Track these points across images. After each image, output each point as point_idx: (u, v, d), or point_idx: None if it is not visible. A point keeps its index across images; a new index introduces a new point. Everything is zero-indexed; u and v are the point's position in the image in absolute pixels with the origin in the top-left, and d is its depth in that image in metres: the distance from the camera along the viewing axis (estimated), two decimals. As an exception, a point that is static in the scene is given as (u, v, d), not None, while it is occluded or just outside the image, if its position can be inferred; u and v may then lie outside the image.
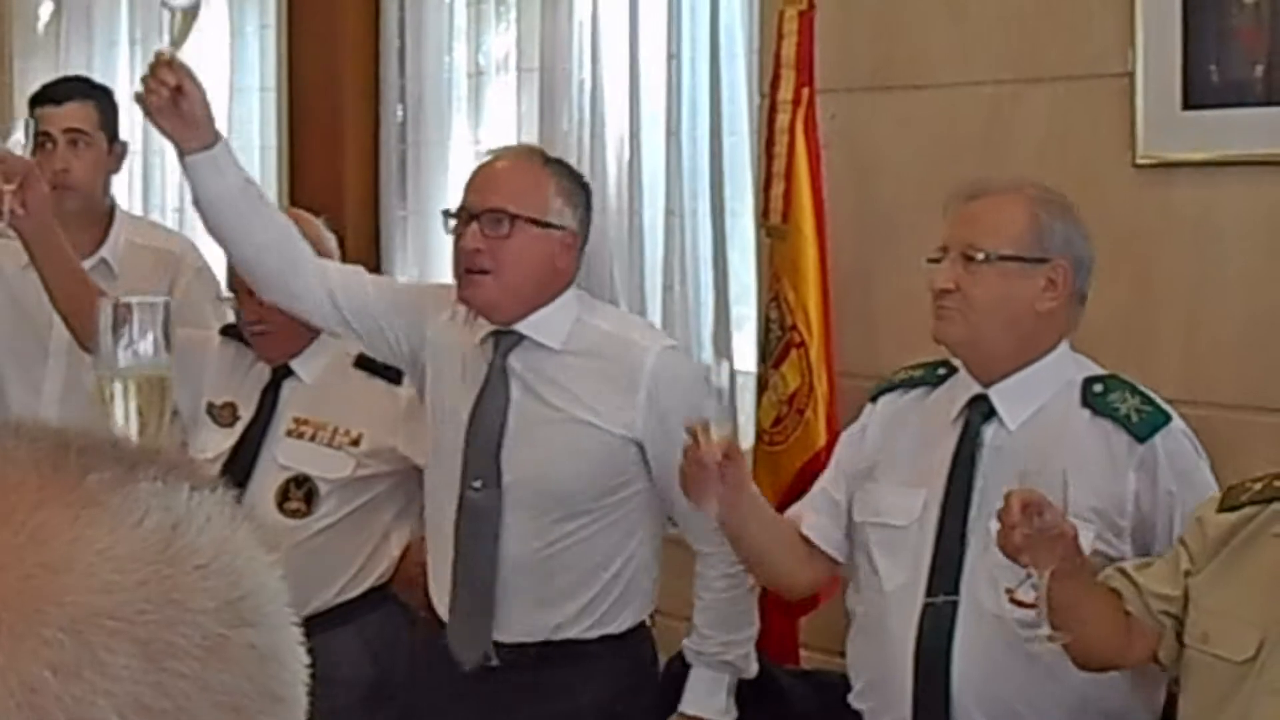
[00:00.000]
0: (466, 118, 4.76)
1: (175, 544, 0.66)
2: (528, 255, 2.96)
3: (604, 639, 3.02)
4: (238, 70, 5.37)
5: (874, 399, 2.95)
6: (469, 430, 3.01)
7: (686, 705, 3.01)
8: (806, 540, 2.88)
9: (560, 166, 3.16)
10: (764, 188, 3.62)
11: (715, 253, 4.12)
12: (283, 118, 5.13)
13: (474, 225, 2.96)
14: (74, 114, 3.82)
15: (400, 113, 4.88)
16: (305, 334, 3.34)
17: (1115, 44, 3.34)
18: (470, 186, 3.08)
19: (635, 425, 2.97)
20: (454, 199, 4.67)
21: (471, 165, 4.66)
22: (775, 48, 3.60)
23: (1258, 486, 2.52)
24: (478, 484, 3.00)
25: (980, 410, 2.74)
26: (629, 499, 3.01)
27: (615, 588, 3.03)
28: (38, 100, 3.90)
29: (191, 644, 0.64)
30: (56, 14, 5.98)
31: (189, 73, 2.99)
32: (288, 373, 3.39)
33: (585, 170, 4.26)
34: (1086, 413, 2.73)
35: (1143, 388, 2.78)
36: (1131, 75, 3.32)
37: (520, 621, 3.01)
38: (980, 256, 2.69)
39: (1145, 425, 2.70)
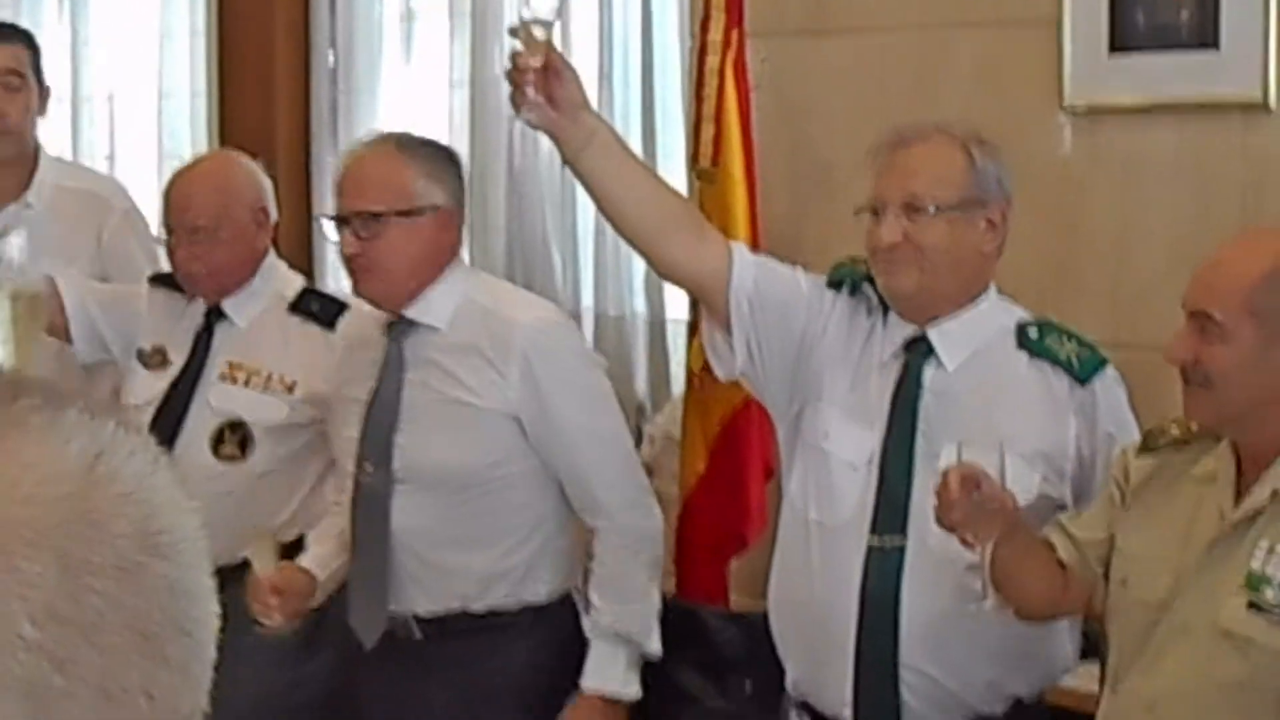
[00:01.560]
0: (398, 61, 4.75)
1: (98, 469, 0.68)
2: (402, 246, 2.95)
3: (524, 609, 3.01)
4: (167, 14, 5.32)
5: (833, 286, 2.85)
6: (366, 418, 3.01)
7: (586, 679, 2.97)
8: (722, 252, 2.81)
9: (419, 147, 3.11)
10: (694, 130, 3.62)
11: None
12: (213, 62, 5.10)
13: (347, 230, 2.95)
14: (10, 56, 3.77)
15: (331, 56, 4.85)
16: (238, 276, 3.32)
17: (1042, -16, 3.37)
18: (338, 190, 3.05)
19: (511, 401, 2.95)
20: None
21: (402, 109, 4.71)
22: (702, -9, 3.59)
23: (1175, 431, 2.54)
24: (369, 468, 3.00)
25: (919, 351, 2.72)
26: (518, 473, 2.99)
27: (520, 557, 3.02)
28: None
29: (107, 563, 0.66)
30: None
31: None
32: (220, 316, 3.36)
33: (511, 122, 4.28)
34: (1024, 355, 2.74)
35: (1076, 331, 2.80)
36: (1059, 20, 3.34)
37: (428, 594, 3.01)
38: (931, 209, 2.67)
39: (1085, 368, 2.71)
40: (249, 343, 3.35)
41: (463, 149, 4.43)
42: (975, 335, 2.75)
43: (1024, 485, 2.62)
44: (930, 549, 2.65)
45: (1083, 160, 3.38)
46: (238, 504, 3.17)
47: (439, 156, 3.10)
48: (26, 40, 3.89)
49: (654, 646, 3.00)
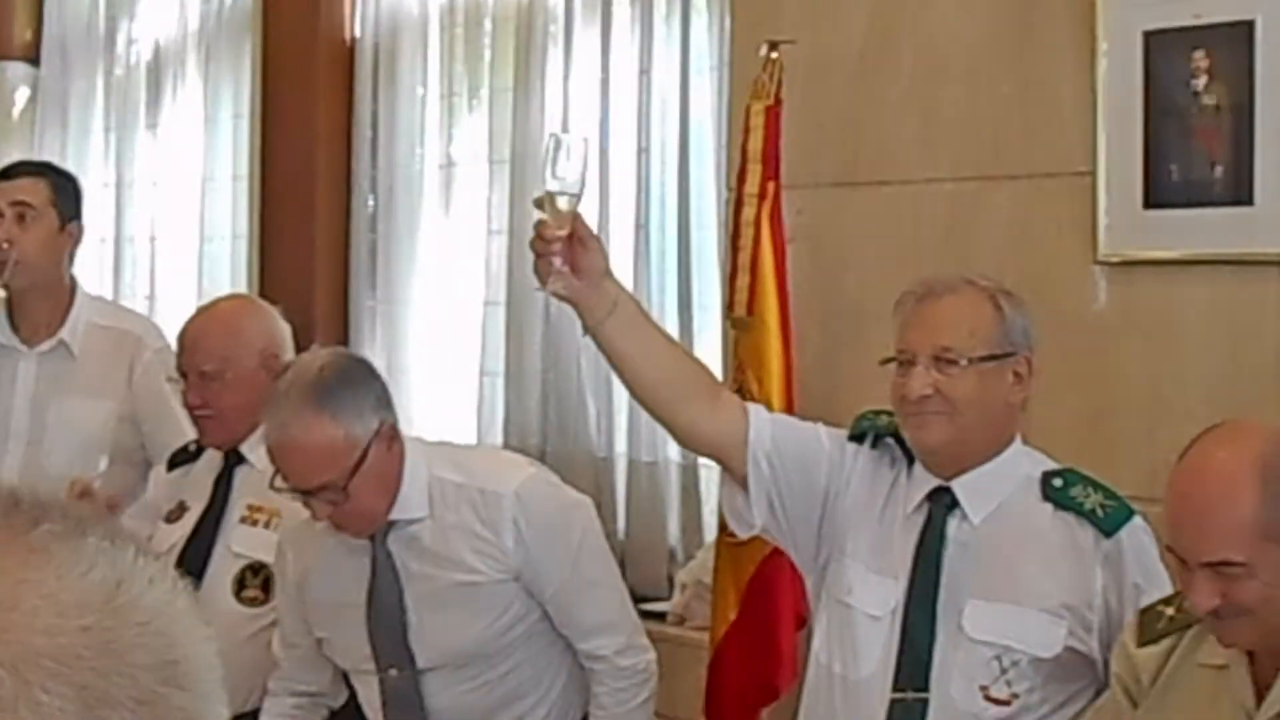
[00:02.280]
0: (437, 208, 4.78)
1: (118, 599, 0.68)
2: (370, 490, 2.88)
3: None
4: (210, 158, 5.41)
5: (855, 438, 2.85)
6: (370, 623, 2.99)
7: None
8: (738, 415, 2.80)
9: (324, 391, 2.89)
10: (729, 280, 3.63)
11: (683, 340, 4.11)
12: (254, 207, 5.15)
13: (316, 500, 2.89)
14: (23, 188, 3.77)
15: (371, 203, 4.91)
16: (250, 419, 3.26)
17: (1078, 143, 3.37)
18: (283, 475, 2.94)
19: (510, 566, 2.94)
20: (423, 290, 4.74)
21: (440, 255, 4.73)
22: (742, 142, 3.62)
23: (1170, 612, 2.48)
24: (393, 672, 2.99)
25: (943, 503, 2.71)
26: (533, 625, 3.00)
27: (544, 706, 3.05)
28: None
29: (125, 695, 0.66)
30: (32, 101, 6.01)
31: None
32: (239, 460, 3.35)
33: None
34: (1049, 507, 2.71)
35: (1102, 481, 2.76)
36: (1094, 174, 3.35)
37: None
38: (963, 361, 2.66)
39: (1111, 520, 2.68)
40: (267, 484, 3.34)
41: (500, 296, 4.52)
42: (1000, 487, 2.73)
43: (1050, 639, 2.61)
44: (954, 703, 2.64)
45: (1117, 314, 3.36)
46: (261, 648, 3.15)
47: (351, 384, 2.95)
48: (53, 176, 3.91)
49: None
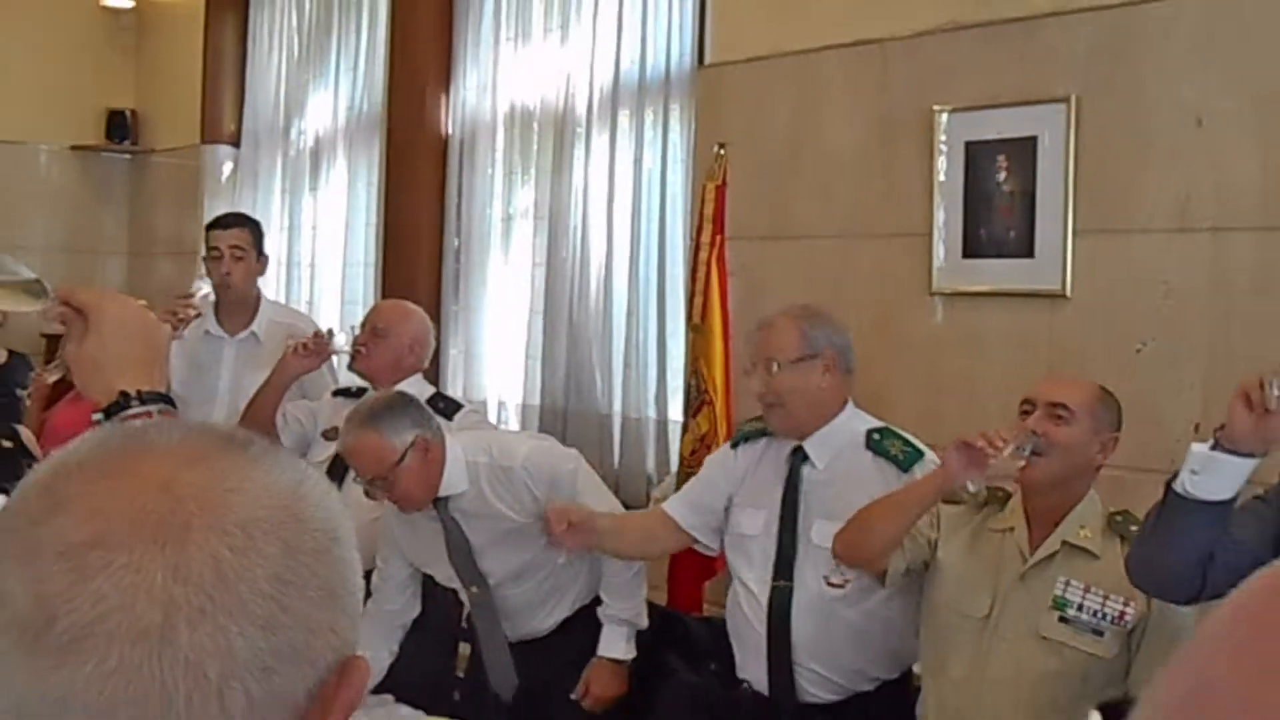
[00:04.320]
0: (499, 247, 4.78)
1: (300, 489, 0.72)
2: (411, 483, 2.82)
3: (585, 608, 3.04)
4: (350, 213, 5.43)
5: (734, 446, 2.88)
6: (452, 560, 2.96)
7: (600, 650, 2.98)
8: (670, 523, 2.87)
9: (377, 415, 2.84)
10: (690, 300, 3.65)
11: (659, 342, 4.14)
12: (380, 245, 5.15)
13: (375, 489, 2.85)
14: (236, 236, 3.84)
15: (456, 242, 4.90)
16: (394, 374, 3.37)
17: (921, 214, 3.39)
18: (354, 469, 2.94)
19: (534, 511, 2.90)
20: (490, 302, 4.76)
21: (500, 280, 4.75)
22: (700, 208, 3.65)
23: (971, 496, 2.53)
24: (475, 589, 2.99)
25: (800, 456, 2.72)
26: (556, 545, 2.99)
27: (573, 594, 3.06)
28: (212, 225, 3.92)
29: (308, 546, 0.70)
30: (234, 172, 6.05)
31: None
32: None
33: (574, 288, 4.34)
34: (870, 454, 2.70)
35: (906, 435, 2.75)
36: (930, 235, 3.37)
37: (529, 629, 3.04)
38: (776, 367, 2.67)
39: (907, 460, 2.68)
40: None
41: (540, 307, 4.52)
42: (836, 442, 2.72)
43: None
44: (808, 588, 2.68)
45: (945, 329, 3.38)
46: (375, 528, 3.10)
47: (392, 410, 2.87)
48: (252, 225, 3.95)
49: (643, 623, 3.01)
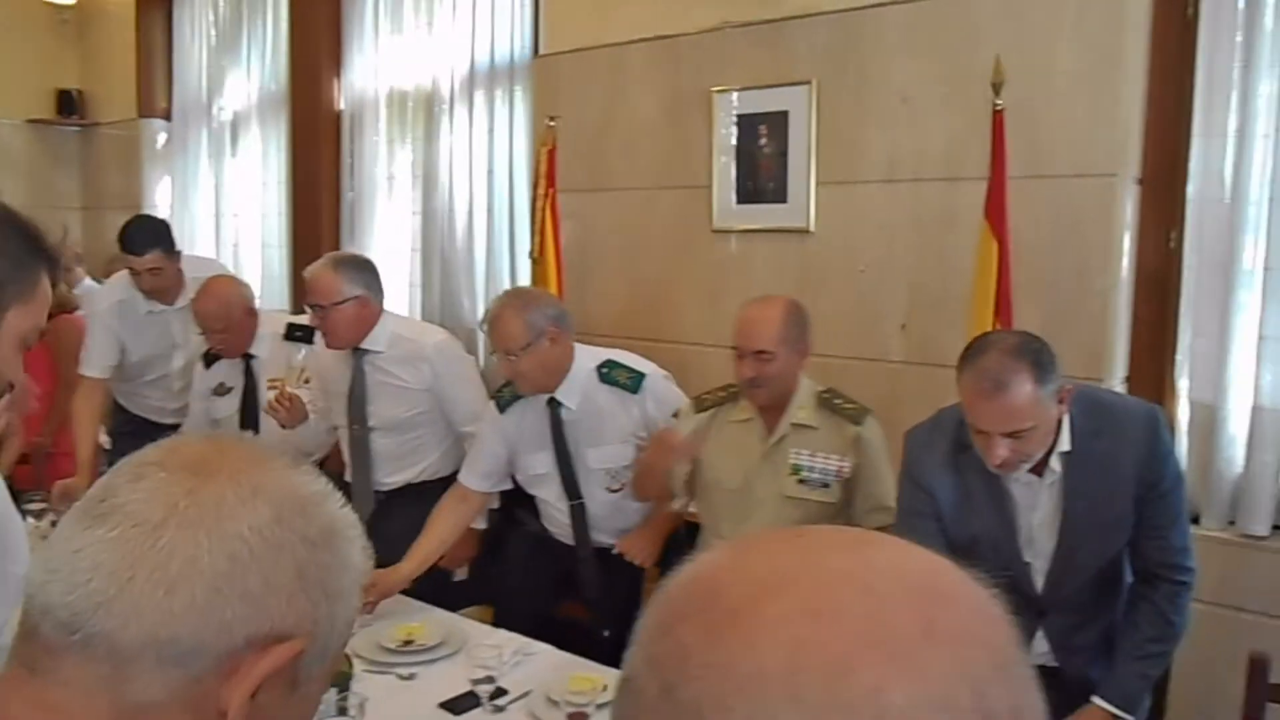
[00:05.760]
0: (385, 199, 4.59)
1: (320, 498, 0.69)
2: (340, 320, 2.78)
3: (436, 480, 2.94)
4: (266, 171, 5.13)
5: (501, 410, 2.67)
6: (349, 399, 2.91)
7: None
8: (470, 494, 2.67)
9: (344, 261, 2.84)
10: (532, 238, 3.59)
11: (511, 271, 4.07)
12: (291, 198, 4.91)
13: (313, 313, 2.81)
14: (151, 260, 3.31)
15: (351, 196, 4.70)
16: (248, 338, 3.17)
17: (703, 170, 3.37)
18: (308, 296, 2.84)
19: (426, 382, 2.86)
20: (379, 243, 4.60)
21: (386, 225, 4.59)
22: (537, 167, 3.56)
23: (711, 396, 2.53)
24: (356, 426, 2.92)
25: (555, 404, 2.61)
26: (431, 417, 2.93)
27: (435, 456, 2.97)
28: (126, 249, 3.34)
29: (299, 529, 0.66)
30: (168, 140, 5.65)
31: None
32: (250, 357, 3.24)
33: (445, 231, 4.21)
34: (605, 386, 2.61)
35: (626, 363, 2.64)
36: (710, 186, 3.36)
37: (389, 480, 2.96)
38: (515, 355, 2.50)
39: (633, 384, 2.61)
40: (272, 365, 3.22)
41: (418, 246, 4.38)
42: (576, 385, 2.60)
43: (627, 453, 2.62)
44: (596, 499, 2.67)
45: (723, 259, 3.38)
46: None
47: (358, 265, 2.84)
48: (161, 240, 3.37)
49: (495, 502, 2.88)
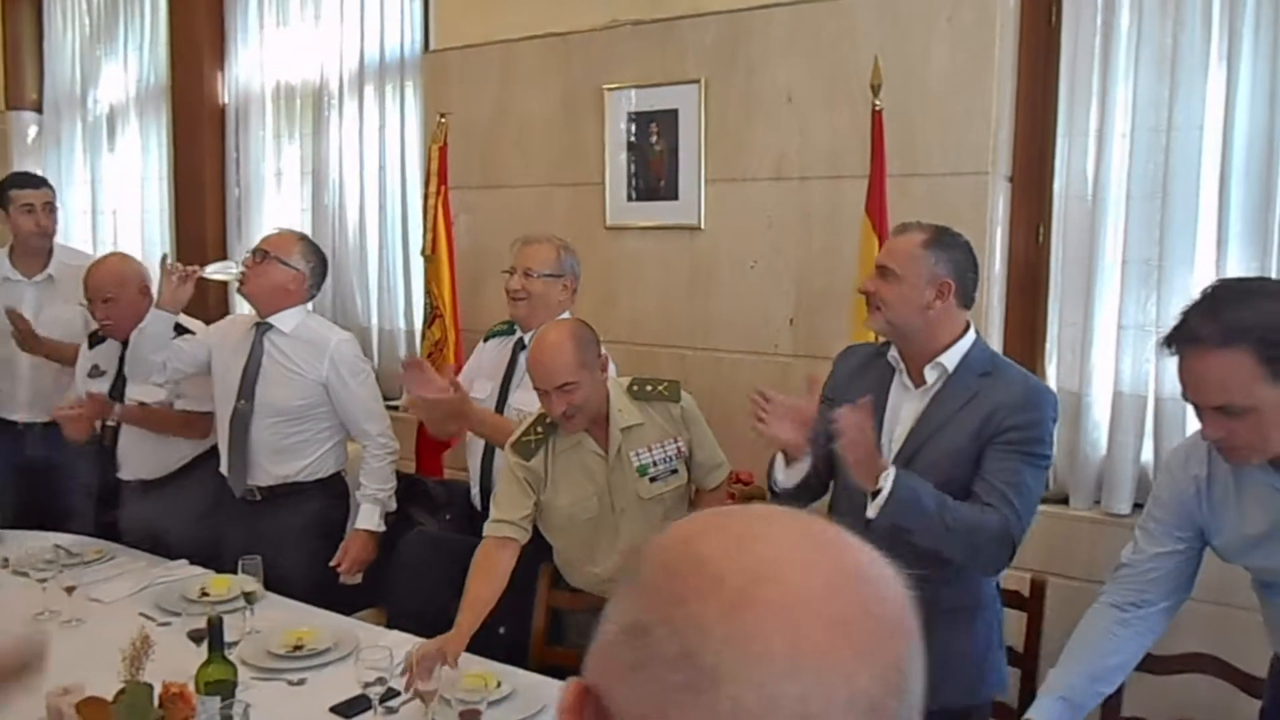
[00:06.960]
0: (273, 195, 4.47)
1: None
2: (268, 276, 2.80)
3: (315, 481, 2.89)
4: (147, 167, 4.92)
5: (485, 340, 2.90)
6: (242, 373, 2.84)
7: (358, 523, 2.85)
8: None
9: (308, 240, 2.94)
10: (424, 236, 3.54)
11: (404, 269, 4.01)
12: (173, 195, 4.74)
13: (249, 257, 2.81)
14: (47, 194, 3.30)
15: (237, 193, 4.56)
16: (136, 320, 3.00)
17: (596, 167, 3.38)
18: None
19: (321, 375, 2.83)
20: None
21: (273, 222, 4.46)
22: (428, 164, 3.51)
23: (534, 434, 2.37)
24: (242, 402, 2.84)
25: (519, 345, 2.65)
26: (322, 412, 2.87)
27: (317, 455, 2.89)
28: (21, 185, 3.28)
29: None
30: (39, 134, 5.36)
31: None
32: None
33: (335, 229, 4.12)
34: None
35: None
36: (604, 183, 3.36)
37: (268, 474, 2.87)
38: (534, 274, 2.64)
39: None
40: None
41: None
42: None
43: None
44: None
45: (615, 255, 3.39)
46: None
47: (314, 250, 2.92)
48: (49, 184, 3.46)
49: (392, 505, 2.92)
